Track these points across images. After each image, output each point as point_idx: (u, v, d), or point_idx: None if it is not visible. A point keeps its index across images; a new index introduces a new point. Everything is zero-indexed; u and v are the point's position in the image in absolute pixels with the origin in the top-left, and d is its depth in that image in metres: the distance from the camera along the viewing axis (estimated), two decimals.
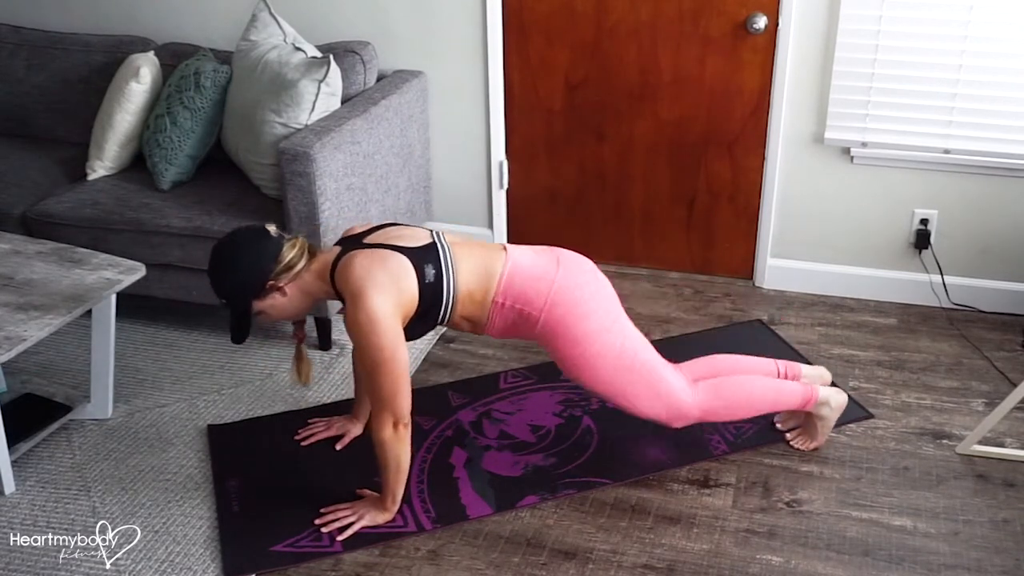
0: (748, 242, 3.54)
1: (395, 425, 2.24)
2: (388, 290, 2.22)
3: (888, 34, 3.08)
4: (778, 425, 2.71)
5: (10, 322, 2.39)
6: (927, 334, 3.22)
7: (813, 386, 2.56)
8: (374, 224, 2.45)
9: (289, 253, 2.31)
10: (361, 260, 2.26)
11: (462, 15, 3.44)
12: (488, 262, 2.37)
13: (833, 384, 2.72)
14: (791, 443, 2.65)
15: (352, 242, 2.36)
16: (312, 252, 2.38)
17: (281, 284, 2.31)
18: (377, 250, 2.29)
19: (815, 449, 2.63)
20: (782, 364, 2.65)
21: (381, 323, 2.19)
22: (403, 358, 2.22)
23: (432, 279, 2.29)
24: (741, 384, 2.52)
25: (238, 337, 2.38)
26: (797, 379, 2.64)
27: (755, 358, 2.65)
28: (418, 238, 2.35)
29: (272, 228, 2.35)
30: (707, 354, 2.63)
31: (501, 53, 3.48)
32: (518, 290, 2.35)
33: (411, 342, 2.33)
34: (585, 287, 2.39)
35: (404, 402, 2.24)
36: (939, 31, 3.03)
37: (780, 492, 2.49)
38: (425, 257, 2.30)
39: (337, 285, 2.30)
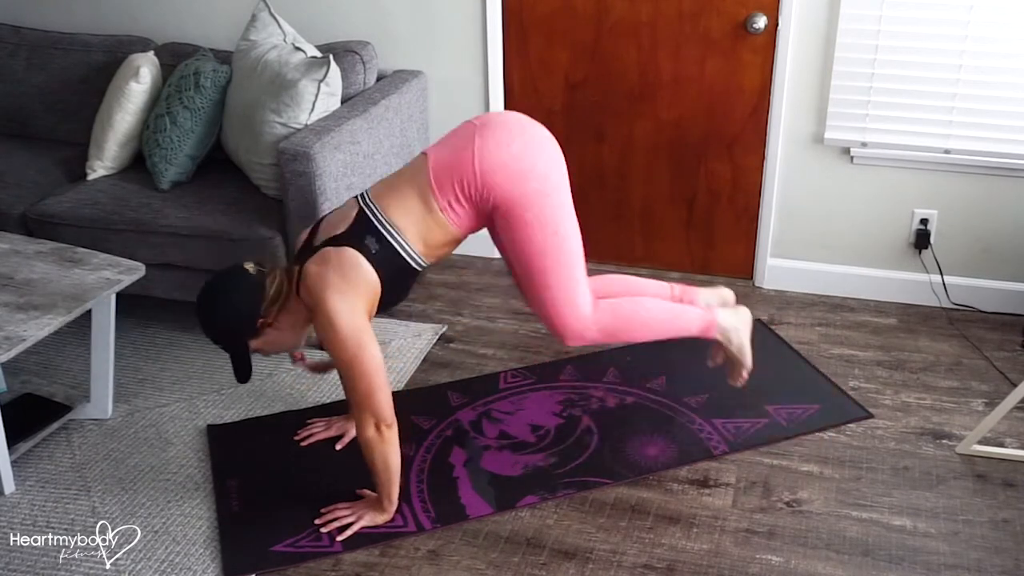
0: (748, 242, 3.54)
1: (377, 426, 2.22)
2: (340, 287, 2.20)
3: (888, 34, 3.08)
4: (709, 363, 2.72)
5: (10, 322, 2.39)
6: (927, 334, 3.22)
7: (712, 311, 2.52)
8: (312, 224, 2.43)
9: (271, 287, 2.28)
10: (310, 269, 2.24)
11: (462, 15, 3.44)
12: (418, 187, 2.30)
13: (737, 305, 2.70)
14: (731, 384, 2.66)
15: (304, 252, 2.33)
16: (290, 277, 2.33)
17: (270, 320, 2.30)
18: (320, 252, 2.27)
19: (747, 379, 2.63)
20: (677, 288, 2.67)
21: (339, 323, 2.17)
22: (372, 355, 2.20)
23: (377, 248, 2.26)
24: (639, 304, 2.50)
25: (242, 377, 2.36)
26: (693, 303, 2.63)
27: (650, 280, 2.67)
28: (347, 217, 2.30)
29: (250, 265, 2.30)
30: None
31: (501, 53, 3.48)
32: (447, 181, 2.28)
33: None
34: (511, 144, 2.29)
35: (382, 401, 2.22)
36: (939, 31, 3.03)
37: (780, 492, 2.49)
38: (360, 233, 2.26)
39: (304, 302, 2.28)
